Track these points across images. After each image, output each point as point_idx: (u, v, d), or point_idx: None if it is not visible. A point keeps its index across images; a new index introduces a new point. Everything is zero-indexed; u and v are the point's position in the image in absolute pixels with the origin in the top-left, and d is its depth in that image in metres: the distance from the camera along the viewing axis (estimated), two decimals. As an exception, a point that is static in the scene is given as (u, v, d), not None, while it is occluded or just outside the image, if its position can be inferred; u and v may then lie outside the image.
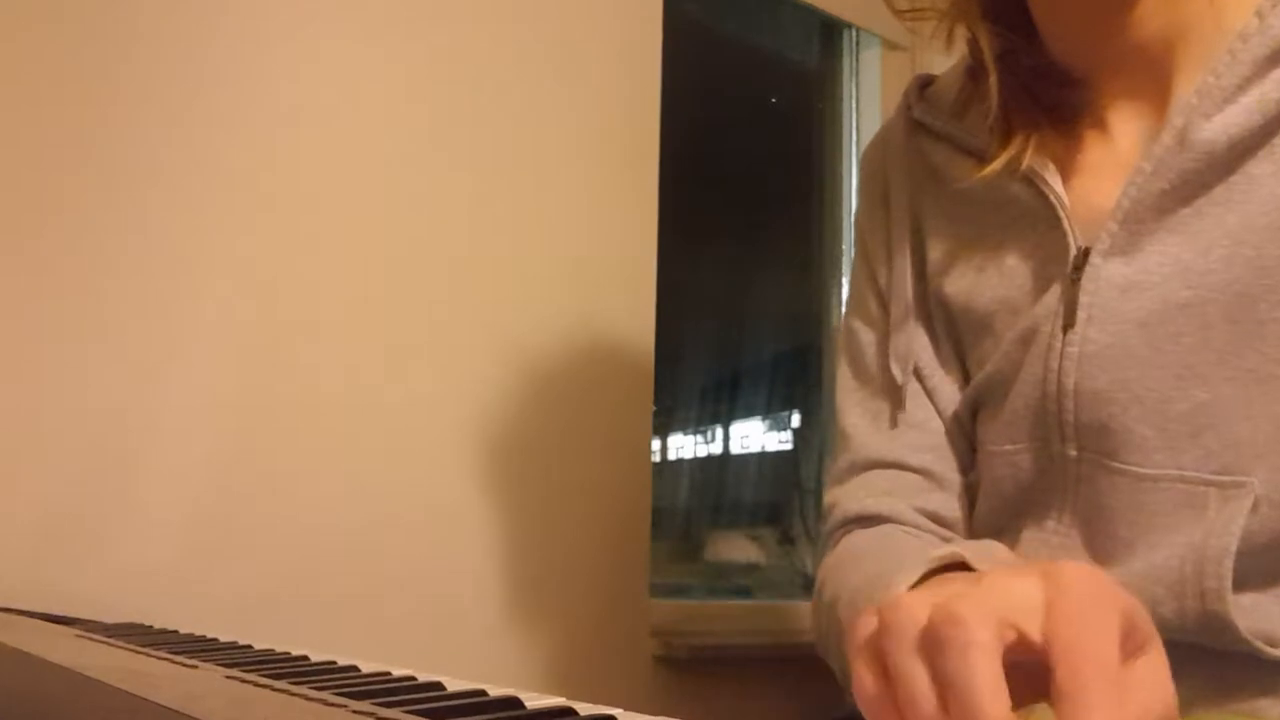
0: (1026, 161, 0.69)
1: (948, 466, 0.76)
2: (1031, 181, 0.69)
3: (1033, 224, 0.69)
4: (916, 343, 0.77)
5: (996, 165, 0.69)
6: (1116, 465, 0.65)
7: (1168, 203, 0.63)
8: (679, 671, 1.40)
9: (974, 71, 0.74)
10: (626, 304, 1.39)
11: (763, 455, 1.91)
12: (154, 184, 1.03)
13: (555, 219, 1.32)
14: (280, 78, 1.12)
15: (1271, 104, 0.60)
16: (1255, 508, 0.61)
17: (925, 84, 0.81)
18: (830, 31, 1.93)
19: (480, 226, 1.25)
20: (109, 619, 0.88)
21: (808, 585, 1.08)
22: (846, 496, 0.77)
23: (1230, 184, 0.62)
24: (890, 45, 1.88)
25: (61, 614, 0.88)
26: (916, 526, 0.74)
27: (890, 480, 0.76)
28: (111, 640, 0.71)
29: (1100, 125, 0.69)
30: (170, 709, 0.40)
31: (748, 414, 1.90)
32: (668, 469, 1.76)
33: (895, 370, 0.77)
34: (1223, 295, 0.61)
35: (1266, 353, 0.61)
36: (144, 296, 1.02)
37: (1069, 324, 0.65)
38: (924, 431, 0.76)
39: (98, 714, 0.42)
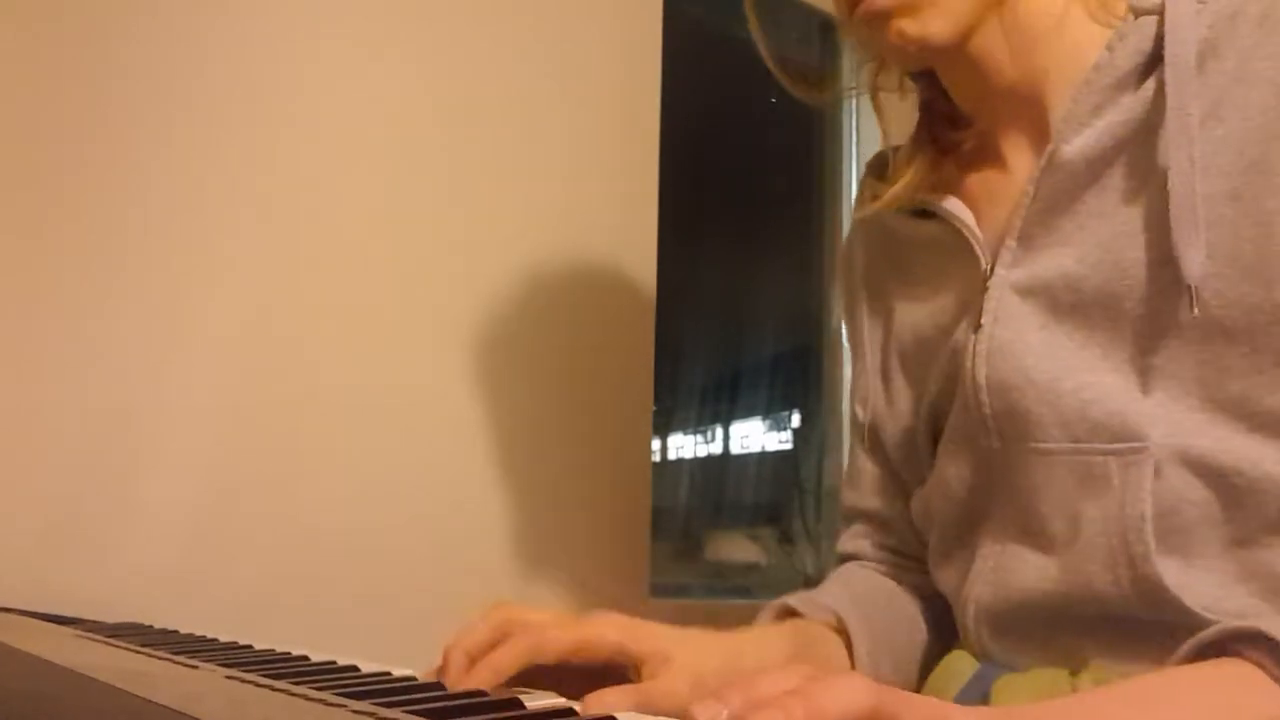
0: (929, 192, 0.79)
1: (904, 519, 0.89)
2: (946, 221, 0.78)
3: (953, 256, 0.77)
4: (882, 395, 0.87)
5: (897, 188, 0.80)
6: (1029, 446, 0.71)
7: (1052, 218, 0.70)
8: (679, 671, 1.40)
9: (918, 139, 0.84)
10: (626, 304, 1.39)
11: (763, 455, 1.91)
12: (154, 183, 1.03)
13: (555, 219, 1.32)
14: (280, 77, 1.12)
15: (1118, 126, 0.68)
16: (1159, 474, 0.65)
17: (884, 162, 0.90)
18: (830, 31, 1.93)
19: (479, 227, 1.25)
20: (109, 619, 0.88)
21: (808, 585, 1.08)
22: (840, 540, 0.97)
23: (1102, 198, 0.69)
24: (890, 45, 1.88)
25: (61, 614, 0.88)
26: (879, 561, 0.92)
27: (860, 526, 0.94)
28: (111, 640, 0.71)
29: (1000, 160, 0.78)
30: (170, 709, 0.40)
31: (748, 414, 1.90)
32: (668, 469, 1.76)
33: (860, 413, 0.88)
34: (1096, 297, 0.68)
35: (1140, 344, 0.67)
36: (144, 296, 1.02)
37: (977, 325, 0.73)
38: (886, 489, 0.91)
39: (98, 714, 0.42)
